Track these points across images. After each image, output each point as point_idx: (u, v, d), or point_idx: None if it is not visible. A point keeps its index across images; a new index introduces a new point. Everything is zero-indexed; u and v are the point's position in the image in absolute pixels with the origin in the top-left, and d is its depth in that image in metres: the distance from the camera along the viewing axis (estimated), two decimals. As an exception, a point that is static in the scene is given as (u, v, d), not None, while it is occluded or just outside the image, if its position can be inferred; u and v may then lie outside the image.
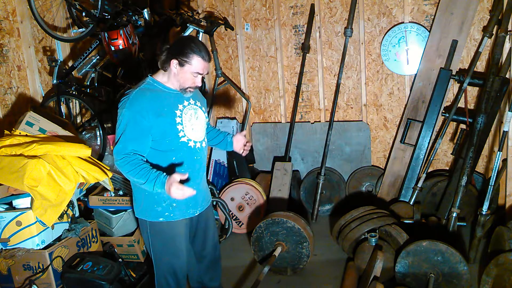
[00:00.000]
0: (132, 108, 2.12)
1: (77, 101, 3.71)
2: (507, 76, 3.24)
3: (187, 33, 3.85)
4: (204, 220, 2.45)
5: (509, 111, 2.94)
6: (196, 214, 2.36)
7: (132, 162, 2.09)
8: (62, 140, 2.80)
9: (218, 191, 3.83)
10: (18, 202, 2.59)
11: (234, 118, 4.41)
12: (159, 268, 2.37)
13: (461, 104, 3.57)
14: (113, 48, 3.17)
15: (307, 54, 4.07)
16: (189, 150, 2.26)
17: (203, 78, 2.29)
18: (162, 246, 2.31)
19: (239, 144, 2.53)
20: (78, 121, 3.81)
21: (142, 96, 2.15)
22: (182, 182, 2.09)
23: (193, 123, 2.27)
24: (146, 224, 2.30)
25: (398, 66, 3.85)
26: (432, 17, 3.67)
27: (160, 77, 2.23)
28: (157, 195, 2.21)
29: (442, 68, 3.55)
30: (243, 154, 2.57)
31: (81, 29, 3.37)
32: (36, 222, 2.53)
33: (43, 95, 3.58)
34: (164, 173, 2.08)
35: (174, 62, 2.15)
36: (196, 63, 2.13)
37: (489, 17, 3.52)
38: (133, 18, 3.28)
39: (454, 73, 3.55)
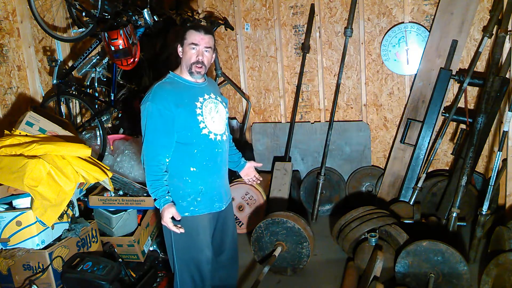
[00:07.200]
0: (155, 100, 2.18)
1: (77, 101, 3.71)
2: (507, 76, 3.24)
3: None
4: (224, 216, 2.44)
5: (509, 111, 2.94)
6: (222, 209, 2.38)
7: (157, 167, 2.18)
8: (62, 140, 2.80)
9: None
10: (18, 202, 2.59)
11: (234, 118, 4.41)
12: (182, 265, 2.32)
13: (461, 104, 3.57)
14: (113, 48, 3.17)
15: (307, 54, 4.07)
16: (210, 143, 2.28)
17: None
18: (187, 242, 2.28)
19: (250, 173, 2.63)
20: (78, 121, 3.81)
21: (163, 88, 2.23)
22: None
23: (213, 115, 2.30)
24: None
25: (398, 66, 3.85)
26: (432, 17, 3.67)
27: (178, 71, 2.33)
28: (182, 190, 2.25)
29: (442, 68, 3.55)
30: (248, 183, 2.65)
31: (81, 29, 3.37)
32: (36, 222, 2.52)
33: (43, 95, 3.58)
34: (168, 197, 2.18)
35: (178, 48, 2.30)
36: (190, 35, 2.25)
37: (489, 17, 3.52)
38: (133, 18, 3.28)
39: (454, 73, 3.55)
